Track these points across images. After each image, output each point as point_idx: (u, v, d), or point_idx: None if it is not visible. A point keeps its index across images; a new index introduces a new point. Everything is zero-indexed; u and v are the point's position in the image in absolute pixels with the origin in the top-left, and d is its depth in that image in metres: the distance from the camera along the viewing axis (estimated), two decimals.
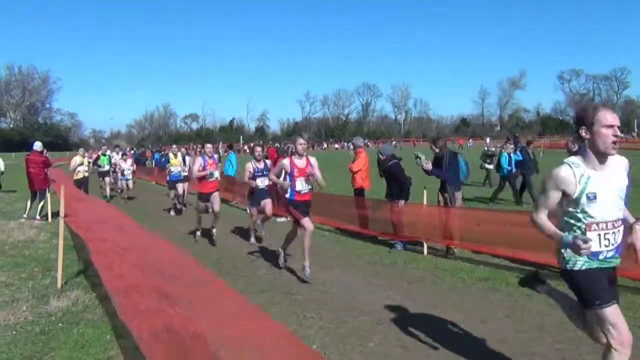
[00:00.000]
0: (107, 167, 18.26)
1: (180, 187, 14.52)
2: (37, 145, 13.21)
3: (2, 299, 5.97)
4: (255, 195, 9.41)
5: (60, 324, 5.14)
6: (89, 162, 15.79)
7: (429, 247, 8.21)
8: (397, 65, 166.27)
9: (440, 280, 6.77)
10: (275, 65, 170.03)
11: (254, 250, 8.86)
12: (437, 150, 8.28)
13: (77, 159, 14.98)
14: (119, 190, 19.08)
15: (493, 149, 19.71)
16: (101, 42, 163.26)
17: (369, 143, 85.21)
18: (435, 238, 8.25)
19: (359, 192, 10.38)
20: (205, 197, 9.70)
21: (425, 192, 8.24)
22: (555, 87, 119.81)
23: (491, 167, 17.98)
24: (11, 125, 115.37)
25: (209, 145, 10.45)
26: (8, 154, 70.76)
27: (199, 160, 9.78)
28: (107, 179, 18.22)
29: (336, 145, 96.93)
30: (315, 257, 8.24)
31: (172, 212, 14.50)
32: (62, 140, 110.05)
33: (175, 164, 14.61)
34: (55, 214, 10.52)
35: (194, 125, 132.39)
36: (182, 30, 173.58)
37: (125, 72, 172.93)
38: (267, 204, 9.38)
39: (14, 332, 4.92)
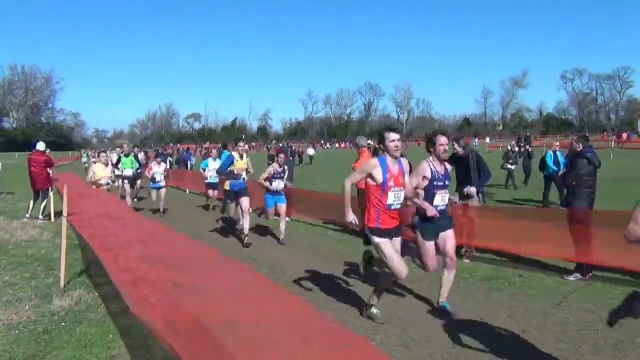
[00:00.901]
0: (130, 172, 13.74)
1: (244, 201, 9.74)
2: (40, 145, 13.25)
3: (5, 298, 5.98)
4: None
5: (63, 324, 5.15)
6: (112, 171, 12.07)
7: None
8: (400, 65, 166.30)
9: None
10: (278, 64, 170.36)
11: (255, 250, 8.87)
12: (460, 150, 7.88)
13: (98, 170, 11.29)
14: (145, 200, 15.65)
15: (517, 149, 19.03)
16: (104, 42, 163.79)
17: (370, 143, 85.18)
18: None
19: (363, 192, 10.36)
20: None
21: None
22: (559, 87, 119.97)
23: (513, 167, 17.54)
24: (14, 125, 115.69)
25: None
26: (11, 154, 71.12)
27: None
28: (128, 187, 13.86)
29: (337, 145, 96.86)
30: (318, 258, 8.27)
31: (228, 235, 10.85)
32: (65, 140, 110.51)
33: (241, 167, 9.71)
34: (58, 214, 10.55)
35: (197, 125, 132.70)
36: (185, 30, 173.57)
37: (128, 72, 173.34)
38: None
39: (17, 332, 4.93)
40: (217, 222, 11.57)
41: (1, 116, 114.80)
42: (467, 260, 7.64)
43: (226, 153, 17.25)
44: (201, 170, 14.23)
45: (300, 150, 44.73)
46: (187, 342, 2.57)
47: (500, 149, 56.93)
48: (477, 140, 67.51)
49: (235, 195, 9.72)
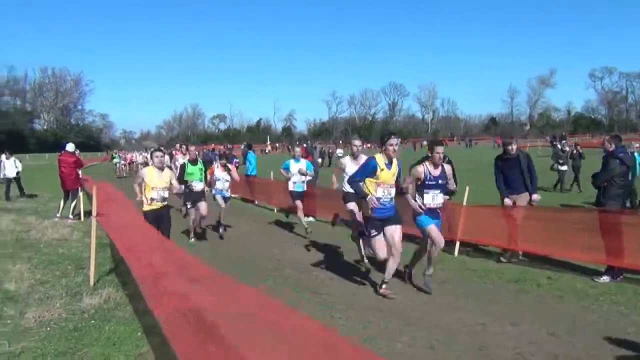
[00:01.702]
0: (201, 186, 9.64)
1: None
2: (69, 146, 13.52)
3: (37, 296, 6.11)
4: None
5: (93, 321, 5.24)
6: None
7: (460, 247, 8.15)
8: (424, 65, 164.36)
9: (469, 281, 6.70)
10: (302, 65, 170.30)
11: (280, 250, 8.89)
12: (512, 152, 7.70)
13: (150, 176, 7.55)
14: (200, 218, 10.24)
15: (567, 148, 17.81)
16: (131, 44, 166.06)
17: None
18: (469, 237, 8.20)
19: None
20: None
21: (466, 191, 8.18)
22: (587, 85, 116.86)
23: (564, 168, 16.40)
24: (45, 127, 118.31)
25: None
26: (42, 155, 72.78)
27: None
28: (202, 206, 9.74)
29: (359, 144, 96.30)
30: (343, 258, 8.26)
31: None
32: (94, 141, 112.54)
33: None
34: (88, 213, 10.74)
35: (222, 126, 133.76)
36: (211, 31, 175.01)
37: (154, 73, 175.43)
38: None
39: (49, 329, 5.04)
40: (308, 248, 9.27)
41: (32, 118, 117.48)
42: (504, 260, 7.60)
43: (251, 154, 17.31)
44: (282, 172, 10.62)
45: (330, 151, 43.65)
46: (193, 336, 2.60)
47: (527, 148, 56.24)
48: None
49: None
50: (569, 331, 4.82)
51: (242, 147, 25.66)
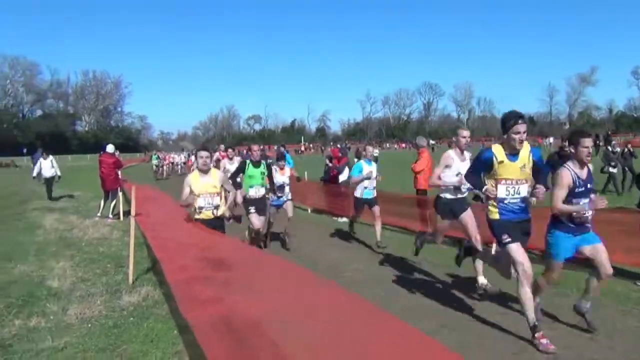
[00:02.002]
0: (262, 192, 8.51)
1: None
2: (109, 147, 13.89)
3: (79, 293, 6.30)
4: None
5: (132, 318, 5.37)
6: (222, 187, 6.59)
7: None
8: (460, 64, 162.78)
9: (506, 283, 6.56)
10: (336, 66, 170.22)
11: (313, 249, 8.92)
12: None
13: (196, 181, 6.37)
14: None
15: (617, 149, 16.73)
16: (168, 48, 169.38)
17: (434, 143, 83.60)
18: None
19: (422, 193, 10.24)
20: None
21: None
22: (630, 83, 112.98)
23: (615, 170, 15.44)
24: (86, 129, 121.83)
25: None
26: (84, 156, 74.86)
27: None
28: (259, 219, 8.41)
29: (395, 146, 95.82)
30: (378, 258, 8.23)
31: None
32: (132, 142, 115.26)
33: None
34: (127, 213, 11.01)
35: (257, 127, 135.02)
36: (246, 32, 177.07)
37: (190, 76, 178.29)
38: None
39: (90, 325, 5.19)
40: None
41: (74, 120, 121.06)
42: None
43: (287, 156, 17.36)
44: (354, 180, 9.07)
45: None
46: (224, 342, 2.62)
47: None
48: (551, 139, 62.93)
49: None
50: (608, 335, 4.69)
51: (276, 148, 25.83)
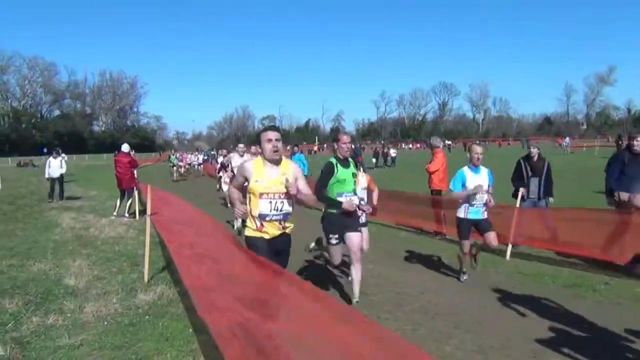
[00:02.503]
0: (356, 202, 5.65)
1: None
2: (125, 147, 14.00)
3: (95, 291, 6.36)
4: None
5: (147, 317, 5.40)
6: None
7: (512, 251, 7.95)
8: (475, 63, 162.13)
9: (521, 285, 6.51)
10: (351, 65, 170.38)
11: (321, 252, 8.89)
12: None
13: (259, 170, 4.29)
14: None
15: None
16: (183, 48, 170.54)
17: (450, 143, 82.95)
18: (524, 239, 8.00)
19: (437, 193, 10.19)
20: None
21: (520, 193, 8.01)
22: None
23: None
24: (103, 128, 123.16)
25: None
26: (100, 155, 75.64)
27: None
28: (356, 238, 5.67)
29: (410, 146, 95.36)
30: (392, 258, 8.21)
31: None
32: (148, 142, 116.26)
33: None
34: (142, 212, 11.09)
35: None
36: (260, 33, 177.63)
37: (205, 76, 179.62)
38: None
39: (106, 323, 5.23)
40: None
41: (91, 120, 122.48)
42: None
43: (300, 155, 17.33)
44: (455, 196, 6.67)
45: (385, 152, 41.48)
46: (242, 349, 2.61)
47: (584, 148, 54.10)
48: (567, 139, 61.71)
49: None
50: (627, 339, 4.62)
51: (288, 148, 25.84)
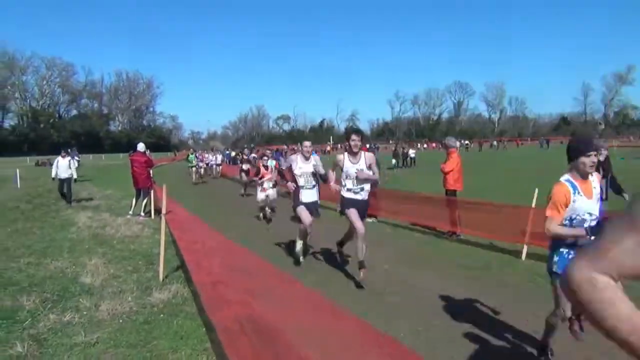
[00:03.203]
0: None
1: None
2: (140, 146, 14.10)
3: (110, 289, 6.42)
4: None
5: (162, 315, 5.44)
6: None
7: (528, 252, 7.86)
8: (491, 63, 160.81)
9: (537, 287, 6.43)
10: (365, 65, 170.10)
11: (343, 251, 8.88)
12: None
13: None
14: None
15: None
16: (199, 48, 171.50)
17: (467, 143, 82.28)
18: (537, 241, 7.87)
19: (451, 193, 10.12)
20: None
21: (536, 193, 7.91)
22: None
23: None
24: (119, 128, 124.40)
25: None
26: (116, 155, 76.32)
27: None
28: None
29: (425, 145, 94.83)
30: (406, 258, 8.17)
31: None
32: (164, 142, 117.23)
33: None
34: (158, 211, 11.16)
35: (286, 126, 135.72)
36: (275, 33, 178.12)
37: (221, 76, 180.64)
38: None
39: (121, 321, 5.28)
40: None
41: (108, 120, 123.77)
42: None
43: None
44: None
45: (405, 152, 39.82)
46: (250, 344, 2.62)
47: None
48: None
49: None
50: None
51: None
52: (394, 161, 35.39)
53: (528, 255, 7.83)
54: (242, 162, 22.59)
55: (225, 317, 3.12)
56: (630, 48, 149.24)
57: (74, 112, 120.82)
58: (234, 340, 2.83)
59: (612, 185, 8.51)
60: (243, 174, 20.55)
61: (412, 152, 40.20)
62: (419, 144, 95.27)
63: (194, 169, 27.82)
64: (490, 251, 8.35)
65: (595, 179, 3.95)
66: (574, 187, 3.81)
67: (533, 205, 8.04)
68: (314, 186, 7.77)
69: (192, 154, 29.94)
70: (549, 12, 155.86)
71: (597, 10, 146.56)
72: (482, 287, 6.47)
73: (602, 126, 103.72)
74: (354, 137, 6.64)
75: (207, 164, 31.96)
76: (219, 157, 35.00)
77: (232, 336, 2.86)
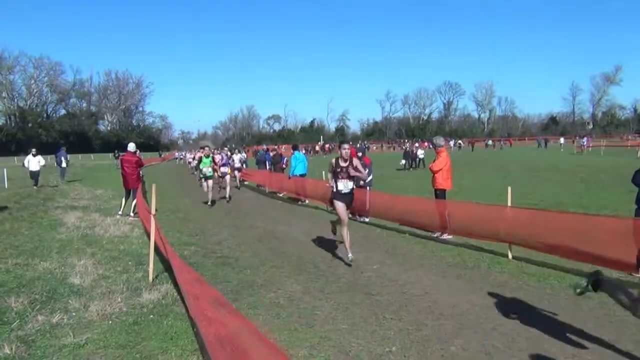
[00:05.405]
0: None
1: None
2: (131, 146, 14.01)
3: (99, 290, 6.38)
4: None
5: (152, 316, 5.41)
6: None
7: (513, 251, 7.89)
8: (481, 63, 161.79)
9: (526, 285, 6.48)
10: (356, 65, 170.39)
11: (333, 250, 8.90)
12: None
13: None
14: None
15: None
16: (188, 47, 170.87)
17: (460, 142, 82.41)
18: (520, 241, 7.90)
19: (440, 193, 10.16)
20: None
21: (509, 192, 7.94)
22: None
23: None
24: (109, 128, 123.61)
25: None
26: (106, 154, 75.77)
27: None
28: None
29: (416, 144, 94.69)
30: (396, 258, 8.19)
31: None
32: (153, 142, 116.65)
33: None
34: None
35: (276, 126, 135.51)
36: (265, 32, 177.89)
37: (210, 76, 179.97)
38: None
39: (110, 322, 5.25)
40: None
41: (97, 119, 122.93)
42: None
43: (298, 153, 17.44)
44: None
45: (414, 152, 35.72)
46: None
47: (590, 148, 53.87)
48: (585, 139, 60.12)
49: None
50: (635, 340, 4.58)
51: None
52: (403, 161, 33.69)
53: (514, 254, 7.82)
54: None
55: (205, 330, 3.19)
56: (619, 48, 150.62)
57: (63, 111, 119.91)
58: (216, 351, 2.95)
59: None
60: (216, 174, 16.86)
61: (420, 153, 36.00)
62: (425, 142, 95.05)
63: (209, 181, 16.29)
64: (479, 251, 8.38)
65: None
66: None
67: (508, 204, 8.02)
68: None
69: (207, 157, 16.57)
70: (538, 13, 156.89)
71: (586, 10, 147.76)
72: (472, 286, 6.51)
73: (590, 126, 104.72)
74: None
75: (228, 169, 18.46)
76: (237, 159, 24.51)
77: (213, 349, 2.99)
